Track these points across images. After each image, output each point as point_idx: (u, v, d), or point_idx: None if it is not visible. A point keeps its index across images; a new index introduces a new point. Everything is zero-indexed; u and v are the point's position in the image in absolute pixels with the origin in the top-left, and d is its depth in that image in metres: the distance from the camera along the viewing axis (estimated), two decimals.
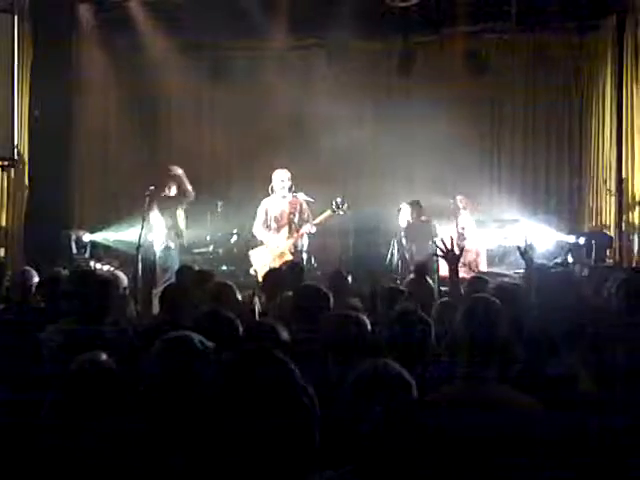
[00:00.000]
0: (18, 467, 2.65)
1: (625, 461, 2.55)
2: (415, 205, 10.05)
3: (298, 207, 9.24)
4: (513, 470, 2.69)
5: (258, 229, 9.27)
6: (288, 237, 9.15)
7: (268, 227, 9.28)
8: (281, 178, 9.20)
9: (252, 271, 9.20)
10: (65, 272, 5.26)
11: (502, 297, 3.65)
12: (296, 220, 9.20)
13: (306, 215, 9.24)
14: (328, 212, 9.13)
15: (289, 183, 9.21)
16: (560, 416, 2.93)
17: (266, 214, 9.29)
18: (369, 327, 3.76)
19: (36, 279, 5.31)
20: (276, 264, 8.67)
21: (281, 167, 9.65)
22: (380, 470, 2.16)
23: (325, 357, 3.63)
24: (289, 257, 8.93)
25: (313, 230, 9.19)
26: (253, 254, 9.25)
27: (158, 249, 9.12)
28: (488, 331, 3.09)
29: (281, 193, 9.20)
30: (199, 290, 5.24)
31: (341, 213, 9.19)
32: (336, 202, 9.15)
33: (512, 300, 3.99)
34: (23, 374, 3.36)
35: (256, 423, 2.05)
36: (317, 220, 9.15)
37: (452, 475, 2.28)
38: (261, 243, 9.37)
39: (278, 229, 9.19)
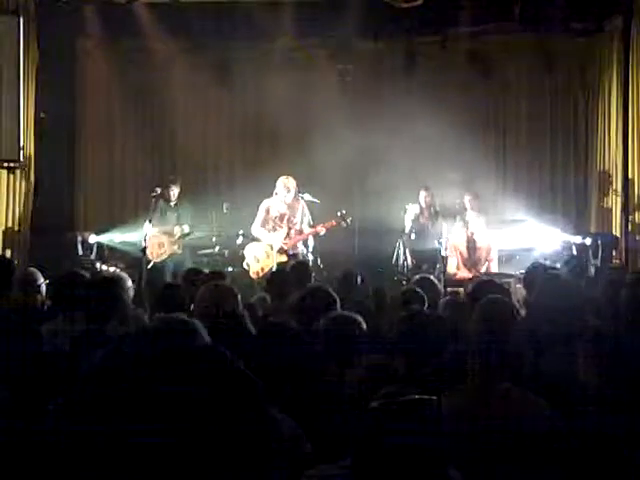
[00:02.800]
0: (21, 470, 2.65)
1: (626, 459, 2.55)
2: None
3: (300, 209, 9.33)
4: (522, 469, 2.69)
5: (256, 228, 9.43)
6: (285, 238, 9.23)
7: (269, 226, 9.37)
8: (287, 186, 9.29)
9: (245, 265, 9.31)
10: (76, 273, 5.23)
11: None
12: (297, 222, 9.30)
13: (306, 217, 9.34)
14: (333, 222, 9.28)
15: (293, 192, 9.31)
16: (567, 417, 2.93)
17: (267, 213, 9.40)
18: (365, 327, 3.78)
19: (41, 280, 5.32)
20: (270, 262, 8.78)
21: (286, 168, 9.71)
22: (380, 465, 2.16)
23: (326, 357, 3.64)
24: (283, 258, 9.03)
25: (322, 232, 9.29)
26: (247, 249, 9.37)
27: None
28: (500, 332, 3.08)
29: (284, 199, 9.30)
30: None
31: (344, 225, 9.36)
32: (341, 213, 9.31)
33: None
34: (25, 374, 3.37)
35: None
36: (320, 227, 9.28)
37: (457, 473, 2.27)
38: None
39: (277, 229, 9.29)
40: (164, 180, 10.85)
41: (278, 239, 9.25)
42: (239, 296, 4.78)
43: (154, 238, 9.95)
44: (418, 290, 5.17)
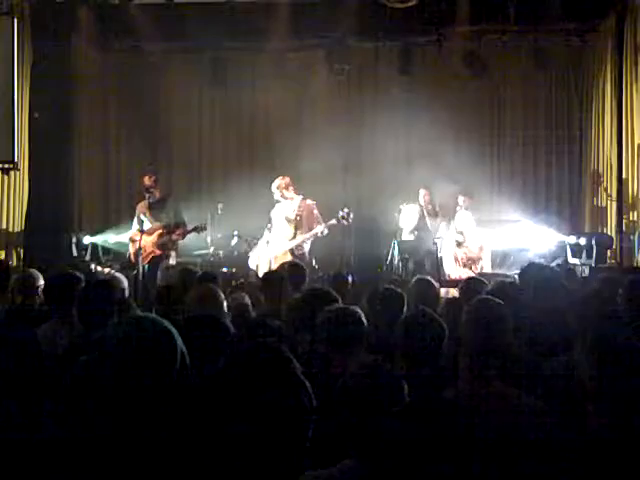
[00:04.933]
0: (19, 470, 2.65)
1: (625, 460, 2.56)
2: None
3: (306, 210, 9.26)
4: (518, 469, 2.69)
5: (266, 234, 9.39)
6: (291, 238, 9.19)
7: (272, 229, 9.36)
8: (274, 187, 9.29)
9: (254, 267, 9.28)
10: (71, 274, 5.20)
11: (500, 297, 3.65)
12: (304, 222, 9.24)
13: (315, 217, 9.27)
14: (333, 221, 9.21)
15: (278, 192, 9.27)
16: (562, 416, 2.93)
17: (270, 218, 9.38)
18: (365, 323, 3.78)
19: (41, 281, 5.30)
20: (276, 263, 8.74)
21: (281, 168, 9.72)
22: (380, 465, 2.17)
23: (325, 354, 3.64)
24: (289, 257, 8.99)
25: (326, 232, 9.22)
26: (256, 251, 9.35)
27: None
28: (492, 333, 3.08)
29: (288, 199, 9.30)
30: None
31: (345, 224, 9.29)
32: (343, 213, 9.23)
33: (509, 299, 3.98)
34: (24, 376, 3.35)
35: (253, 416, 2.07)
36: (323, 227, 9.22)
37: (453, 475, 2.28)
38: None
39: (283, 231, 9.24)
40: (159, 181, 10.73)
41: (284, 240, 9.21)
42: (222, 297, 4.78)
43: (138, 243, 9.17)
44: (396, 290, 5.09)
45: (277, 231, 9.30)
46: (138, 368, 2.23)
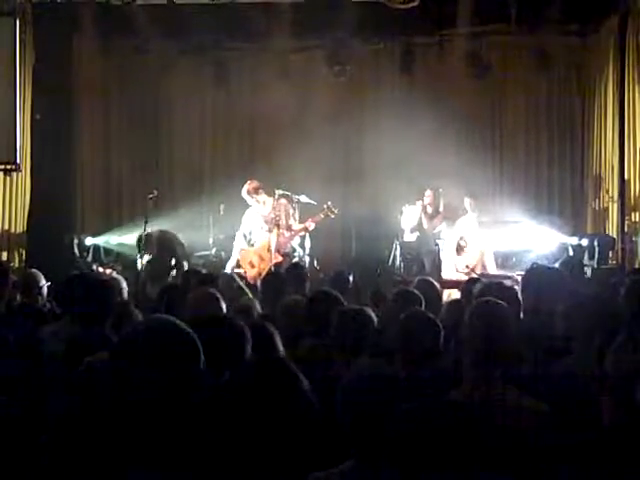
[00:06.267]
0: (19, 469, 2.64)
1: (630, 461, 2.55)
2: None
3: (282, 210, 9.36)
4: (519, 471, 2.68)
5: (238, 239, 9.51)
6: (277, 238, 9.24)
7: (249, 233, 9.44)
8: (244, 194, 9.52)
9: (241, 272, 9.30)
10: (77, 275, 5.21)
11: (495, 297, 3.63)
12: (283, 222, 9.34)
13: (291, 215, 9.39)
14: (320, 215, 9.28)
15: (249, 197, 9.39)
16: (566, 418, 2.92)
17: (250, 222, 9.49)
18: (375, 324, 3.78)
19: (43, 281, 5.31)
20: (265, 265, 8.79)
21: (283, 169, 9.77)
22: (381, 467, 2.16)
23: (332, 355, 3.63)
24: (279, 258, 9.06)
25: (312, 227, 9.31)
26: (241, 256, 9.39)
27: None
28: (495, 333, 3.07)
29: (261, 203, 9.39)
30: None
31: (332, 216, 9.37)
32: (327, 206, 9.33)
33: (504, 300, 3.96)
34: (24, 376, 3.36)
35: (260, 432, 2.06)
36: (309, 222, 9.31)
37: (455, 477, 2.27)
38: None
39: (264, 232, 9.31)
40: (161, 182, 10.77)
41: (271, 241, 9.24)
42: (222, 300, 4.76)
43: None
44: (414, 291, 5.08)
45: (258, 234, 9.37)
46: (160, 370, 2.21)
